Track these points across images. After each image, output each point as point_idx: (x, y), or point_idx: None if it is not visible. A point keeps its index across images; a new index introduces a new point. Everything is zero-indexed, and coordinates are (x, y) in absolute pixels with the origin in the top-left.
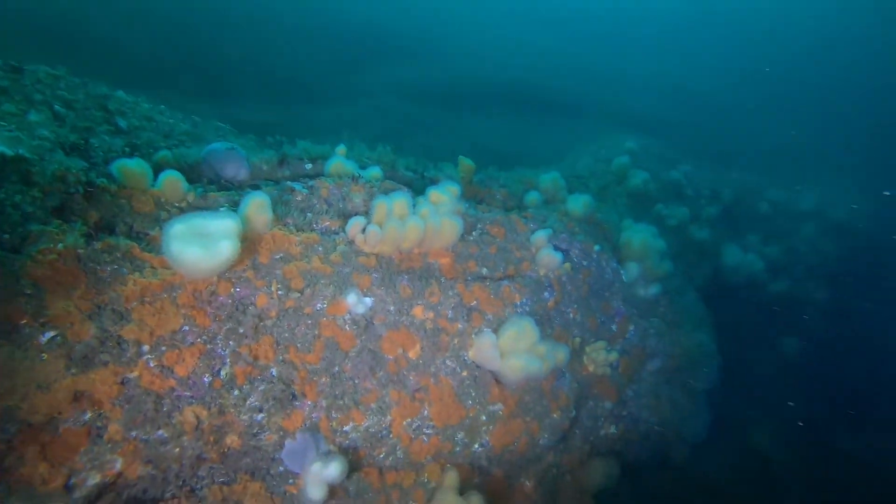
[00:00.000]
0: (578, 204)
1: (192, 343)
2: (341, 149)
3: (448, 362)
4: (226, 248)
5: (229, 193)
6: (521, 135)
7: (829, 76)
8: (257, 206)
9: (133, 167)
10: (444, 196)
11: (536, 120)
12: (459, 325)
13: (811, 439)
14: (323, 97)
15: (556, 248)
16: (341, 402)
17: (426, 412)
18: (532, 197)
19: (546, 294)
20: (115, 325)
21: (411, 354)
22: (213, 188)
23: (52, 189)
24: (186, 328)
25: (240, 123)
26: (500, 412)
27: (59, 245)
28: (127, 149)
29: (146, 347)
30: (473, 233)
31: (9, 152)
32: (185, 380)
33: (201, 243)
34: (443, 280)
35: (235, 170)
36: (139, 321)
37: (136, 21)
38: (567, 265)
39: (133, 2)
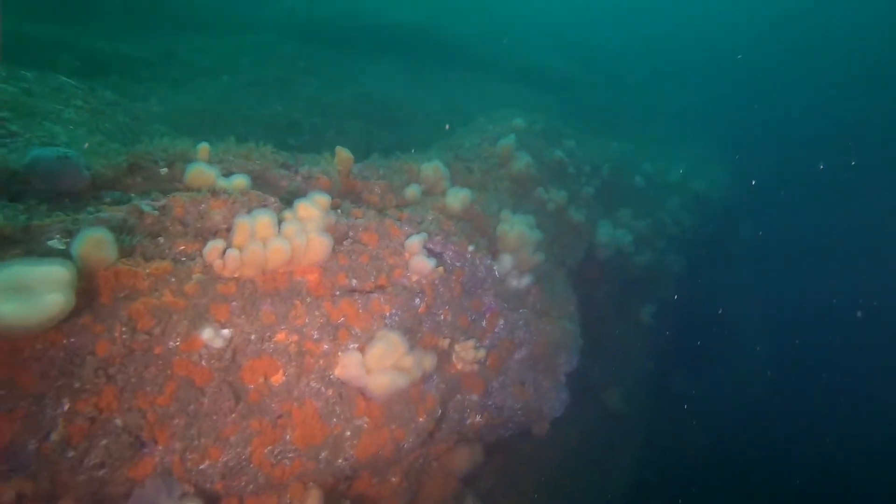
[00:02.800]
0: (457, 199)
1: (12, 409)
2: (203, 148)
3: (313, 384)
4: (53, 304)
5: (63, 219)
6: (417, 87)
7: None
8: (95, 244)
9: None
10: (312, 210)
11: (434, 70)
12: (325, 346)
13: (655, 391)
14: (201, 26)
15: (430, 252)
16: (197, 442)
17: (288, 437)
18: (411, 191)
19: (417, 300)
20: None
21: (274, 381)
22: (42, 209)
23: None
24: (2, 392)
25: (95, 58)
26: (365, 425)
27: None
28: None
29: None
30: (345, 242)
31: None
32: (3, 452)
33: (22, 299)
34: (309, 300)
35: (71, 181)
36: None
37: None
38: (440, 269)
39: None
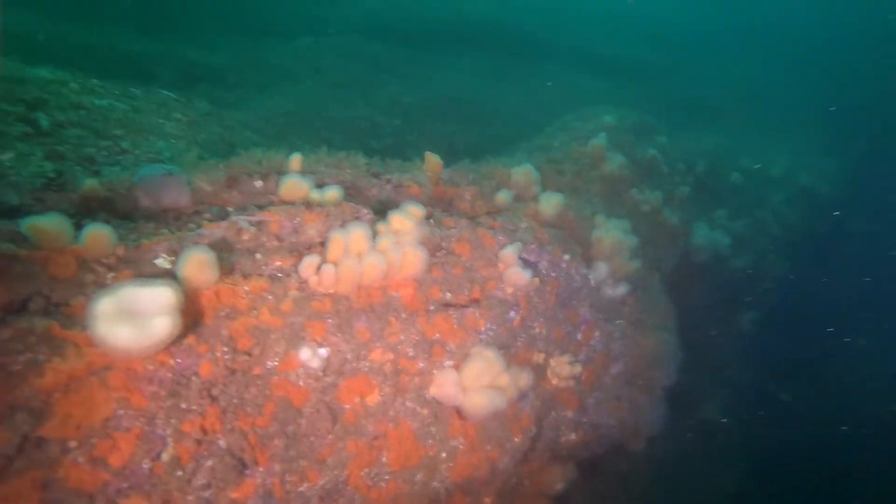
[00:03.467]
0: (550, 205)
1: (128, 428)
2: (296, 159)
3: (408, 403)
4: (162, 328)
5: (168, 237)
6: (496, 82)
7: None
8: (199, 264)
9: (47, 225)
10: (407, 222)
11: (513, 65)
12: (420, 364)
13: (756, 402)
14: (283, 32)
15: (525, 262)
16: (296, 464)
17: (384, 458)
18: (502, 197)
19: (512, 313)
20: (33, 425)
21: (369, 401)
22: (149, 227)
23: None
24: (121, 412)
25: (191, 70)
26: (461, 446)
27: None
28: (49, 169)
29: (73, 443)
30: (438, 253)
31: None
32: (122, 470)
33: (133, 323)
34: (403, 315)
35: (175, 197)
36: (63, 415)
37: None
38: (535, 280)
39: None
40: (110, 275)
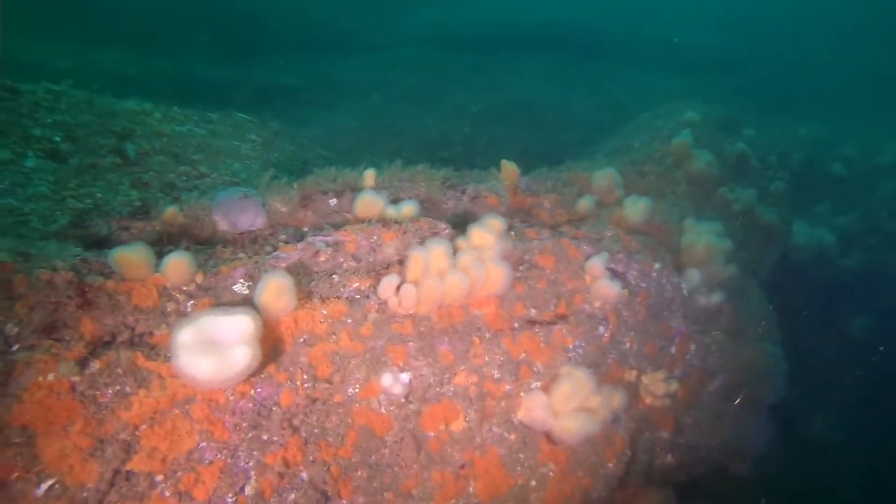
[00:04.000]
0: (636, 210)
1: (211, 461)
2: (369, 175)
3: (495, 429)
4: (242, 359)
5: (245, 262)
6: (566, 85)
7: None
8: (276, 291)
9: (132, 255)
10: (488, 236)
11: (581, 65)
12: (507, 386)
13: (873, 417)
14: (349, 48)
15: (613, 273)
16: (380, 497)
17: (471, 489)
18: (584, 203)
19: (601, 328)
20: (123, 458)
21: (454, 427)
22: (226, 252)
23: (41, 300)
24: (203, 444)
25: (262, 92)
26: (551, 473)
27: (50, 376)
28: (135, 197)
29: (159, 477)
30: (521, 267)
31: None
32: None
33: (213, 354)
34: (487, 335)
35: (252, 220)
36: (149, 448)
37: None
38: (625, 291)
39: None
40: (190, 303)
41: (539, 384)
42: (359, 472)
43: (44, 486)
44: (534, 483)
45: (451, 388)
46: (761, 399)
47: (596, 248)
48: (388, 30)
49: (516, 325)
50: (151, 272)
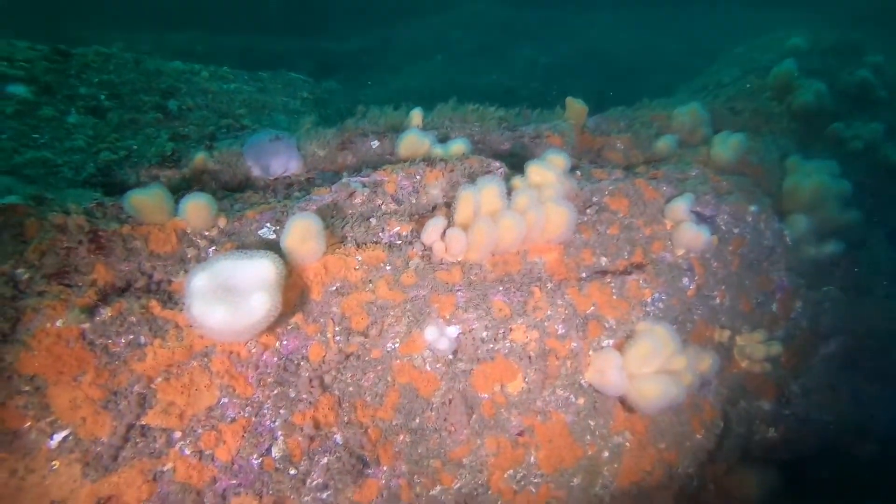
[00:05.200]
0: (727, 147)
1: (234, 419)
2: (416, 114)
3: (559, 391)
4: (259, 306)
5: (273, 206)
6: (648, 32)
7: None
8: (302, 233)
9: (146, 198)
10: (548, 174)
11: (667, 9)
12: (573, 343)
13: None
14: (415, 10)
15: (699, 218)
16: (426, 463)
17: (532, 458)
18: (663, 143)
19: (685, 280)
20: (137, 412)
21: (511, 389)
22: (256, 198)
23: (52, 245)
24: (225, 401)
25: (327, 59)
26: (627, 444)
27: (58, 323)
28: (169, 148)
29: (178, 433)
30: (588, 210)
31: None
32: (229, 465)
33: (228, 301)
34: (549, 285)
35: (284, 163)
36: (166, 403)
37: None
38: (714, 238)
39: None
40: (212, 249)
41: (611, 342)
42: (401, 437)
43: (57, 438)
44: (606, 455)
45: (507, 345)
46: (889, 368)
47: (677, 190)
48: None
49: (584, 274)
50: (170, 217)
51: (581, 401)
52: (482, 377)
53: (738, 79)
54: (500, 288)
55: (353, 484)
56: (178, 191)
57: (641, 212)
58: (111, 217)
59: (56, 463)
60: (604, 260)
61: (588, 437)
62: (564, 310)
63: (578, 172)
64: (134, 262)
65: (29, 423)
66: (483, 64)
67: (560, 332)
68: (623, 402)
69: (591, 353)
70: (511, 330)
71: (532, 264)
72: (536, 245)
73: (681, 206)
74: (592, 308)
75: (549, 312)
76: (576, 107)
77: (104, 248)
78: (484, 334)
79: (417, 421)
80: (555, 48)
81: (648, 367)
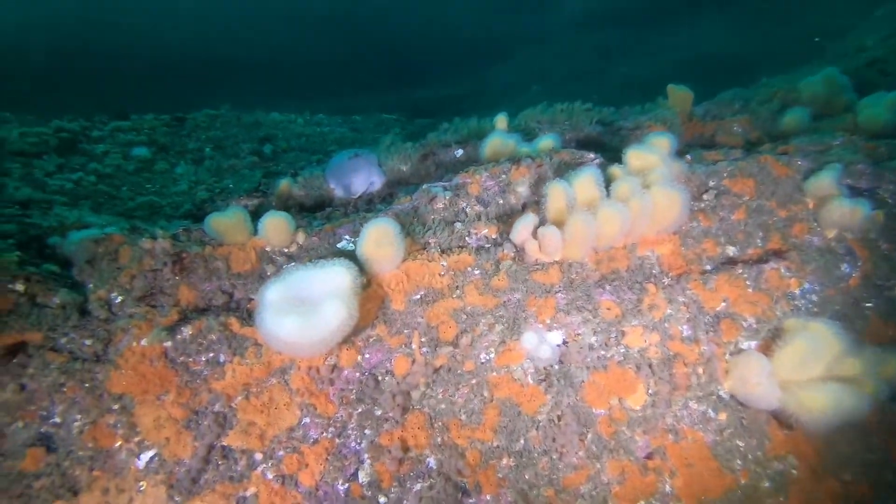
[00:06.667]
0: (880, 108)
1: (316, 440)
2: (501, 118)
3: (693, 405)
4: (332, 315)
5: (352, 219)
6: (759, 31)
7: None
8: (378, 238)
9: (226, 219)
10: (650, 157)
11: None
12: (703, 347)
13: None
14: (506, 50)
15: (853, 192)
16: (536, 492)
17: (668, 487)
18: (792, 118)
19: (844, 267)
20: (218, 432)
21: (632, 403)
22: (337, 213)
23: (141, 268)
24: (306, 420)
25: (423, 110)
26: (794, 472)
27: (143, 342)
28: (264, 185)
29: (259, 455)
30: (705, 196)
31: (97, 234)
32: (314, 491)
33: (300, 312)
34: (666, 281)
35: (366, 180)
36: (246, 423)
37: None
38: (877, 214)
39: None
40: (291, 264)
41: (753, 344)
42: (504, 461)
43: (144, 458)
44: (767, 485)
45: (622, 351)
46: None
47: (817, 163)
48: (544, 22)
49: (707, 267)
50: (249, 236)
51: (723, 416)
52: (595, 390)
53: (888, 37)
54: (607, 286)
55: None
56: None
57: (772, 192)
58: (195, 240)
59: (143, 484)
60: (731, 249)
61: (738, 461)
62: (688, 308)
63: (688, 156)
64: (215, 282)
65: (119, 443)
66: (580, 87)
67: (685, 333)
68: (778, 417)
69: (727, 357)
70: (624, 333)
71: (643, 259)
72: (646, 237)
73: (826, 180)
74: (723, 304)
75: (668, 311)
76: (679, 93)
77: (187, 269)
78: (592, 339)
79: (522, 442)
80: (651, 61)
81: (808, 373)
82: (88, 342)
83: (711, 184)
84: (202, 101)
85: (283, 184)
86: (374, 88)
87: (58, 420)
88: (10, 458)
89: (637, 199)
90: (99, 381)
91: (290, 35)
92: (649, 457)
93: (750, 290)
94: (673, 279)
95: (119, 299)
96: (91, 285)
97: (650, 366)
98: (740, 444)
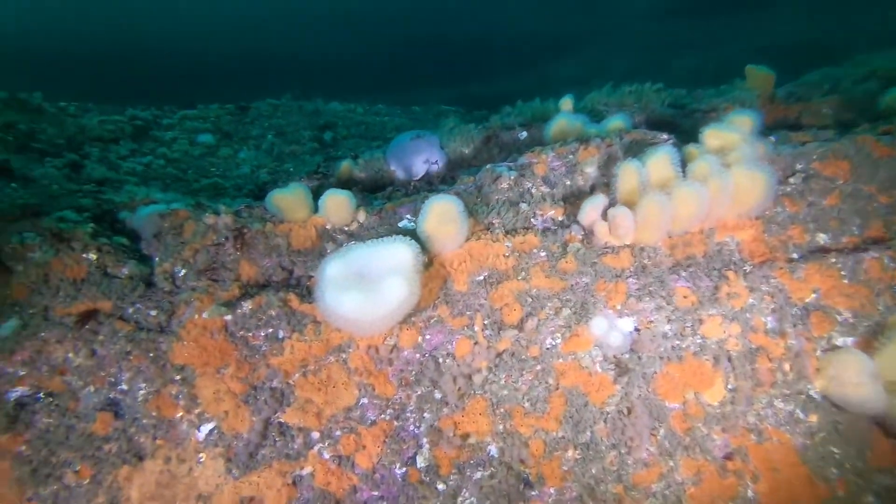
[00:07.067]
0: None
1: (374, 421)
2: (566, 101)
3: (778, 404)
4: (394, 291)
5: (414, 198)
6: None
7: None
8: (440, 215)
9: (287, 196)
10: (730, 135)
11: None
12: (790, 341)
13: None
14: (567, 45)
15: None
16: (603, 487)
17: (750, 492)
18: (893, 97)
19: None
20: (275, 407)
21: (709, 398)
22: (398, 194)
23: (204, 243)
24: (364, 401)
25: (477, 100)
26: None
27: (204, 315)
28: (323, 167)
29: (316, 434)
30: (791, 179)
31: (163, 209)
32: (370, 474)
33: (361, 288)
34: (747, 268)
35: (426, 162)
36: (303, 400)
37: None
38: None
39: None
40: (351, 242)
41: (850, 340)
42: (569, 452)
43: (204, 430)
44: (871, 500)
45: (698, 341)
46: None
47: None
48: (608, 15)
49: (795, 255)
50: (310, 213)
51: (814, 418)
52: (668, 382)
53: None
54: (682, 273)
55: None
56: None
57: (871, 175)
58: (256, 217)
59: (203, 455)
60: (822, 237)
61: (833, 469)
62: (772, 298)
63: (772, 137)
64: (275, 258)
65: (181, 413)
66: (642, 81)
67: (770, 325)
68: (883, 424)
69: (818, 354)
70: (701, 322)
71: (721, 245)
72: (724, 222)
73: None
74: (814, 296)
75: (750, 301)
76: (759, 74)
77: (248, 244)
78: (667, 328)
79: (588, 434)
80: (720, 51)
81: None
82: (153, 313)
83: (799, 166)
84: (265, 95)
85: (344, 165)
86: (432, 84)
87: (124, 387)
88: (83, 420)
89: (717, 179)
90: (162, 352)
91: (346, 33)
92: (728, 457)
93: (846, 282)
94: (755, 266)
95: (182, 272)
96: (157, 258)
97: (729, 359)
98: (835, 451)
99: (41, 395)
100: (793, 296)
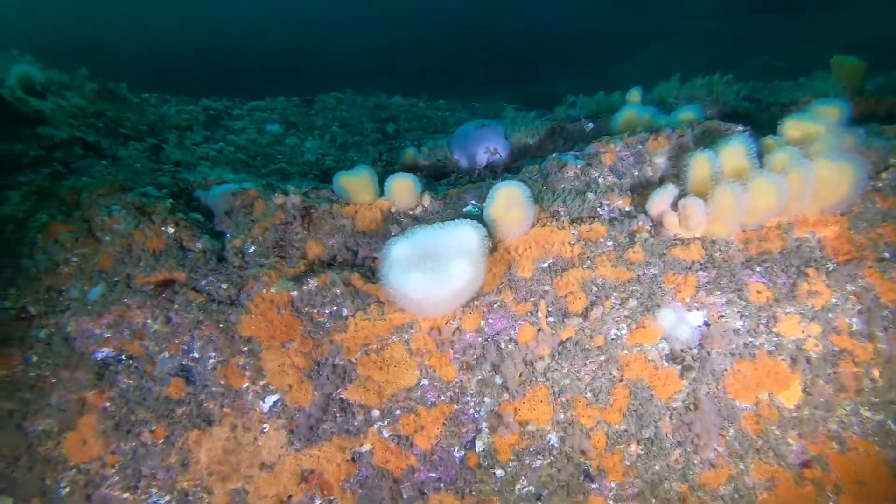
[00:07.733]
0: None
1: (434, 403)
2: (634, 93)
3: (864, 412)
4: (459, 273)
5: (479, 185)
6: None
7: None
8: (507, 200)
9: (353, 178)
10: (812, 126)
11: None
12: (880, 345)
13: None
14: (632, 45)
15: None
16: (667, 485)
17: (831, 503)
18: None
19: None
20: (337, 384)
21: (785, 401)
22: (462, 180)
23: (273, 222)
24: (425, 382)
25: (535, 100)
26: None
27: (272, 289)
28: (384, 154)
29: (376, 412)
30: (884, 175)
31: (235, 188)
32: (429, 455)
33: (426, 268)
34: (829, 266)
35: (490, 151)
36: (364, 378)
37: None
38: None
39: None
40: (416, 226)
41: None
42: (632, 447)
43: (268, 401)
44: None
45: (774, 340)
46: None
47: None
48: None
49: (886, 255)
50: (376, 196)
51: None
52: (740, 380)
53: None
54: (757, 268)
55: (572, 498)
56: None
57: None
58: (323, 198)
59: (267, 426)
60: None
61: None
62: (859, 298)
63: (863, 130)
64: (340, 238)
65: (246, 384)
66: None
67: (856, 327)
68: None
69: None
70: (777, 320)
71: (800, 241)
72: (805, 217)
73: None
74: None
75: (833, 300)
76: (846, 65)
77: (315, 224)
78: (739, 324)
79: (652, 429)
80: (791, 49)
81: None
82: (224, 286)
83: (893, 161)
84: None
85: (408, 153)
86: (489, 85)
87: (196, 355)
88: (158, 384)
89: (797, 171)
90: (231, 324)
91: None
92: (806, 465)
93: None
94: (838, 265)
95: (252, 249)
96: (228, 234)
97: (808, 360)
98: None
99: (123, 356)
100: (883, 297)
